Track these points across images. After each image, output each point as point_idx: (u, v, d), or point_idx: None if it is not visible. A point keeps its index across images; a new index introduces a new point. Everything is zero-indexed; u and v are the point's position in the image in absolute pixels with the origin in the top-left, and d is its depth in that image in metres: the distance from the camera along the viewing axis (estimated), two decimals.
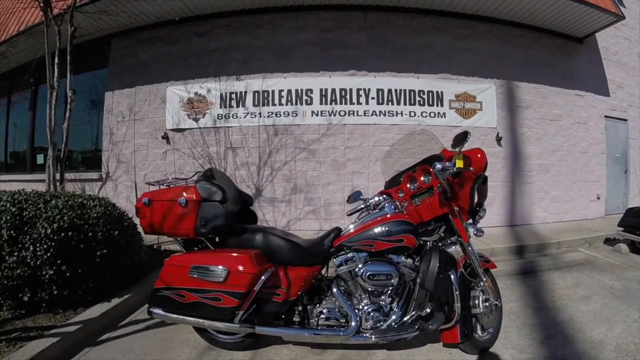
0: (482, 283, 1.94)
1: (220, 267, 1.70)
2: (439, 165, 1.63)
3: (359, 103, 5.11)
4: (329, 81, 5.11)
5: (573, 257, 3.94)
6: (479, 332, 1.98)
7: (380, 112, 5.12)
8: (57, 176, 3.65)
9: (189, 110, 5.29)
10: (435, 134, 2.27)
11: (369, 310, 1.82)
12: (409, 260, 1.87)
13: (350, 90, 5.11)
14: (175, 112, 5.31)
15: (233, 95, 5.20)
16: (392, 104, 5.14)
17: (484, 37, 5.40)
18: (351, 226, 1.92)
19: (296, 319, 1.88)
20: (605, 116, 6.22)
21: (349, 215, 2.19)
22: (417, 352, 2.01)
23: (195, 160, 5.26)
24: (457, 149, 1.68)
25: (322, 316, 1.87)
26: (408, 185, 2.01)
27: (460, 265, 1.91)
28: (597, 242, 4.65)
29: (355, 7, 5.13)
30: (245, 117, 5.17)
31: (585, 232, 4.90)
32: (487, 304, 1.92)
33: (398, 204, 2.01)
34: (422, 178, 1.94)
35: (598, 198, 6.04)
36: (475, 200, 1.84)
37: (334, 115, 5.09)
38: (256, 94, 5.16)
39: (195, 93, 5.27)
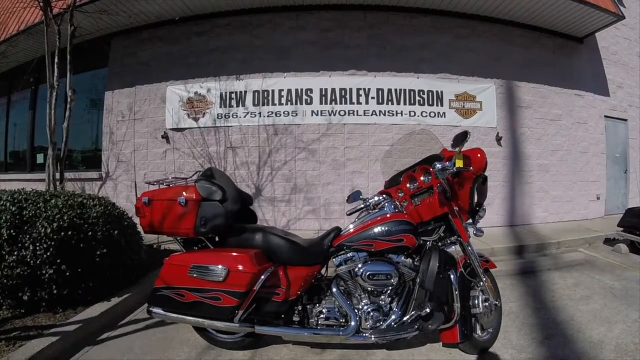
0: (482, 283, 1.94)
1: (220, 266, 1.70)
2: (439, 165, 1.63)
3: (359, 103, 5.11)
4: (329, 81, 5.11)
5: (573, 258, 3.94)
6: (479, 332, 1.98)
7: (380, 112, 5.12)
8: (57, 176, 3.65)
9: (189, 110, 5.29)
10: (436, 134, 2.27)
11: (369, 310, 1.81)
12: (409, 260, 1.87)
13: (351, 90, 5.11)
14: (175, 112, 5.31)
15: (233, 95, 5.20)
16: (392, 104, 5.14)
17: (484, 37, 5.40)
18: (351, 226, 1.92)
19: (296, 318, 1.88)
20: (606, 116, 6.21)
21: (349, 215, 2.19)
22: (417, 352, 2.01)
23: (195, 160, 5.26)
24: (457, 149, 1.68)
25: (322, 316, 1.87)
26: (408, 185, 2.01)
27: (460, 265, 1.91)
28: (597, 243, 4.65)
29: (355, 7, 5.13)
30: (245, 116, 5.17)
31: (585, 232, 4.90)
32: (487, 304, 1.92)
33: (398, 204, 2.01)
34: (422, 178, 1.94)
35: (598, 198, 6.04)
36: (475, 200, 1.84)
37: (334, 115, 5.09)
38: (256, 93, 5.16)
39: (196, 93, 5.27)
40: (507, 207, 5.39)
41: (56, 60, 3.66)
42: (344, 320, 1.85)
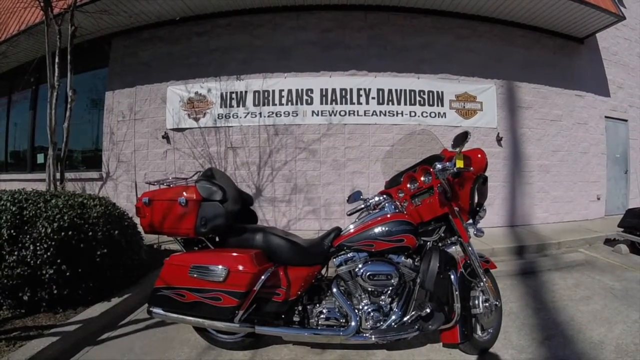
0: (482, 283, 1.94)
1: (220, 266, 1.70)
2: (439, 165, 1.63)
3: (359, 103, 5.11)
4: (329, 81, 5.11)
5: (573, 258, 3.94)
6: (479, 332, 1.98)
7: (380, 112, 5.12)
8: (58, 175, 3.66)
9: (189, 109, 5.29)
10: (436, 134, 2.27)
11: (369, 310, 1.81)
12: (409, 261, 1.87)
13: (351, 90, 5.11)
14: (175, 112, 5.31)
15: (233, 95, 5.20)
16: (393, 104, 5.14)
17: (485, 37, 5.40)
18: (351, 226, 1.92)
19: (296, 318, 1.88)
20: (606, 117, 6.21)
21: (349, 215, 2.19)
22: (417, 352, 2.01)
23: (195, 159, 5.26)
24: (457, 149, 1.68)
25: (322, 316, 1.87)
26: (408, 185, 2.01)
27: (460, 265, 1.91)
28: (597, 243, 4.64)
29: (355, 7, 5.13)
30: (245, 116, 5.17)
31: (585, 232, 4.90)
32: (487, 304, 1.92)
33: (398, 204, 2.01)
34: (422, 178, 1.94)
35: (598, 198, 6.04)
36: (476, 200, 1.84)
37: (335, 115, 5.09)
38: (256, 93, 5.16)
39: (196, 93, 5.27)
40: (507, 207, 5.39)
41: (56, 60, 3.66)
42: (344, 320, 1.85)
